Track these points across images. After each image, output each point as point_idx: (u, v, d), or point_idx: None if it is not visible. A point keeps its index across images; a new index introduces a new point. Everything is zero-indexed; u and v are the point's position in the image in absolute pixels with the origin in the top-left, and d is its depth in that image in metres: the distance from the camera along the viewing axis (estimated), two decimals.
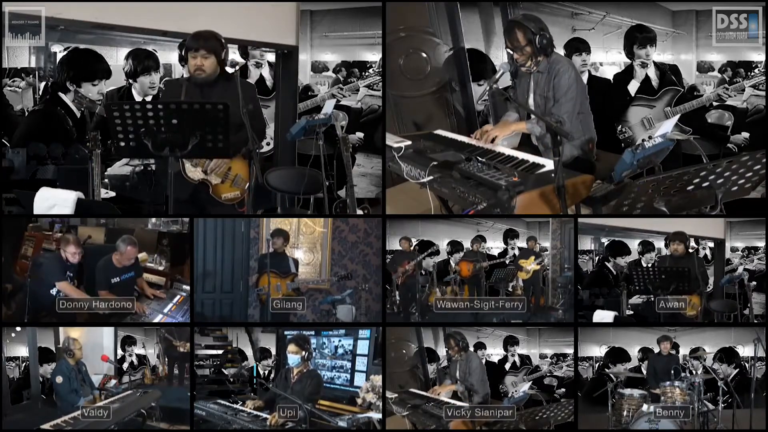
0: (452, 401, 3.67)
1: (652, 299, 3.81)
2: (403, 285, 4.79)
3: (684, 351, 4.37)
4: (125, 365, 4.33)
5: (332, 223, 4.94)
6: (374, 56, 5.47)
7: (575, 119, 3.83)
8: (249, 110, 3.44)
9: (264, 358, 4.50)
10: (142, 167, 4.15)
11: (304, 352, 3.51)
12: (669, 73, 4.91)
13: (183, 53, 3.77)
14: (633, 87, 4.94)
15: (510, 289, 5.04)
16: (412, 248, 4.91)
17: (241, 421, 3.39)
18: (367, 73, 5.49)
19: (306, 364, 3.54)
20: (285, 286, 4.33)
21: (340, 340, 4.29)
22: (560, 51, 4.72)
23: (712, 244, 5.13)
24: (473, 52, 5.35)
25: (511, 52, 3.89)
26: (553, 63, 3.83)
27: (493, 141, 3.85)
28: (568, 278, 5.23)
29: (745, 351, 4.28)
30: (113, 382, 4.09)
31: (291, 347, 3.52)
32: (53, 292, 3.71)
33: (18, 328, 3.95)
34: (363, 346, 4.21)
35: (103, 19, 4.61)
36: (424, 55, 5.30)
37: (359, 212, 4.25)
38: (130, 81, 4.59)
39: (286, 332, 4.26)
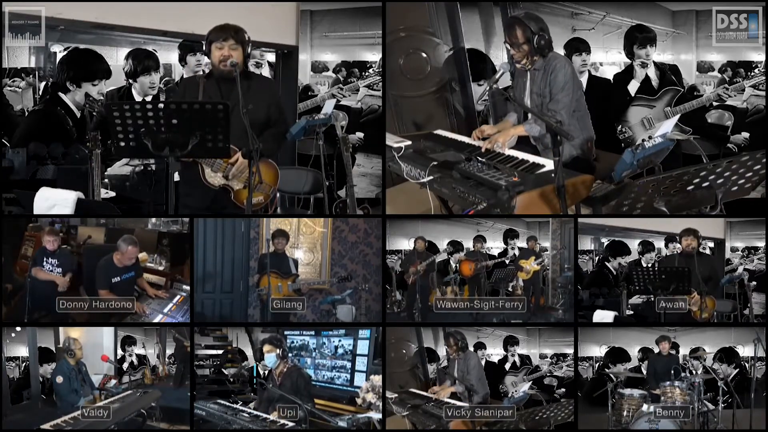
0: (452, 401, 3.67)
1: (653, 299, 3.81)
2: (413, 285, 4.79)
3: (684, 351, 4.37)
4: (125, 365, 4.33)
5: (332, 223, 4.94)
6: (374, 56, 5.47)
7: (572, 118, 3.83)
8: (249, 110, 3.41)
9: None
10: (142, 167, 4.15)
11: (278, 350, 3.52)
12: (669, 73, 4.91)
13: (206, 47, 3.67)
14: (633, 87, 4.94)
15: (510, 289, 5.04)
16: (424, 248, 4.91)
17: (241, 421, 3.39)
18: (367, 73, 5.48)
19: (284, 362, 3.55)
20: (286, 287, 4.33)
21: (340, 340, 4.29)
22: (560, 51, 4.73)
23: (712, 244, 5.13)
24: (473, 52, 5.35)
25: (509, 48, 3.90)
26: (549, 60, 3.82)
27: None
28: (568, 278, 5.23)
29: (745, 351, 4.28)
30: (113, 382, 4.09)
31: (266, 347, 3.53)
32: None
33: (18, 328, 3.95)
34: (363, 346, 4.21)
35: (103, 19, 4.62)
36: (424, 55, 5.30)
37: (359, 212, 4.24)
38: (130, 81, 4.58)
39: (285, 332, 4.26)
